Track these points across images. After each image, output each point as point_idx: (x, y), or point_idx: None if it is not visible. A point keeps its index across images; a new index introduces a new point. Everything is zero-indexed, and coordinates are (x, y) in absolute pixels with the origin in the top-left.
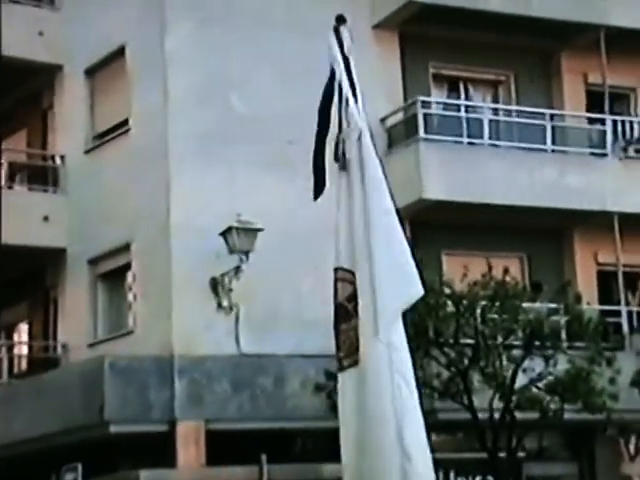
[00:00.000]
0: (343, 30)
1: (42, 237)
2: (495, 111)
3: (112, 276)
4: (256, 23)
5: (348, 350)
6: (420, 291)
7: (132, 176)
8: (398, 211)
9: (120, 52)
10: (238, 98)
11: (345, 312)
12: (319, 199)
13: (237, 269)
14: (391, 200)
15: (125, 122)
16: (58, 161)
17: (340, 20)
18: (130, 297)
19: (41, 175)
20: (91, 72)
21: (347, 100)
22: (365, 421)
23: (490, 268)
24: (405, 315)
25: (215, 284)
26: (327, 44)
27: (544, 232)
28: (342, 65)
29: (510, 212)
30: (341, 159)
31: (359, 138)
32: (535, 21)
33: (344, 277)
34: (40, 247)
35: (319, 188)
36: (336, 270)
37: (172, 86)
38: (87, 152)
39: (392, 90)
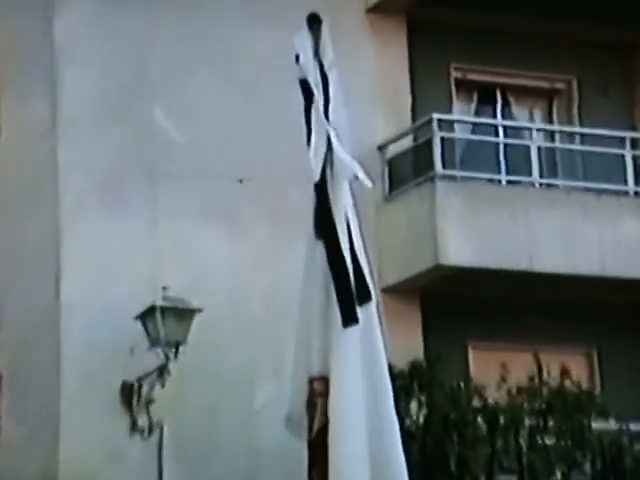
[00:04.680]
0: (320, 31)
1: None
2: (549, 135)
3: None
4: (191, 6)
5: None
6: None
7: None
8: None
9: None
10: (164, 114)
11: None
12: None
13: (161, 370)
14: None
15: None
16: None
17: (314, 20)
18: None
19: None
20: None
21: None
22: None
23: (540, 368)
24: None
25: (128, 393)
26: (295, 49)
27: (623, 315)
28: (317, 76)
29: (570, 285)
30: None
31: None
32: (609, 1)
33: (320, 390)
34: None
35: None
36: (311, 382)
37: (64, 95)
38: None
39: (396, 104)
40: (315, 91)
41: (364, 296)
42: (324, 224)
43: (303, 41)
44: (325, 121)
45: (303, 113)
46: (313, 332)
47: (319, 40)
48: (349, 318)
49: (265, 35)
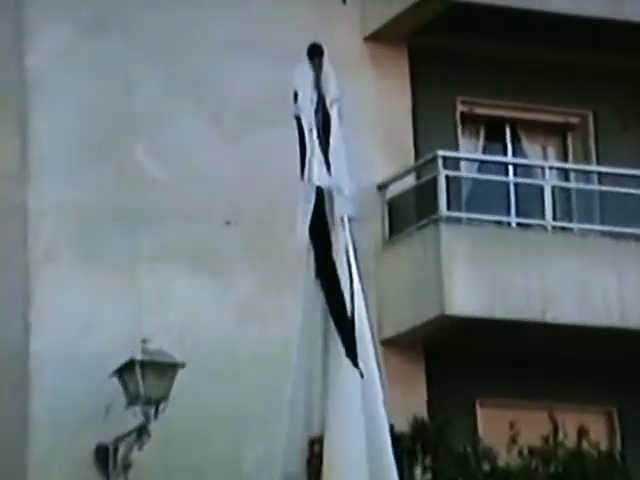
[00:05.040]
0: (322, 63)
1: None
2: (563, 174)
3: None
4: (177, 40)
5: None
6: None
7: None
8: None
9: None
10: (145, 152)
11: None
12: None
13: (140, 431)
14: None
15: None
16: None
17: (315, 51)
18: None
19: None
20: None
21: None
22: None
23: (556, 428)
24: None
25: (103, 456)
26: (293, 85)
27: None
28: (315, 114)
29: (588, 338)
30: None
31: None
32: (628, 28)
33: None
34: None
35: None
36: (312, 443)
37: (35, 133)
38: None
39: (397, 140)
40: (308, 131)
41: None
42: (322, 266)
43: (303, 75)
44: (322, 159)
45: (298, 150)
46: (312, 389)
47: (320, 73)
48: (353, 357)
49: (254, 70)
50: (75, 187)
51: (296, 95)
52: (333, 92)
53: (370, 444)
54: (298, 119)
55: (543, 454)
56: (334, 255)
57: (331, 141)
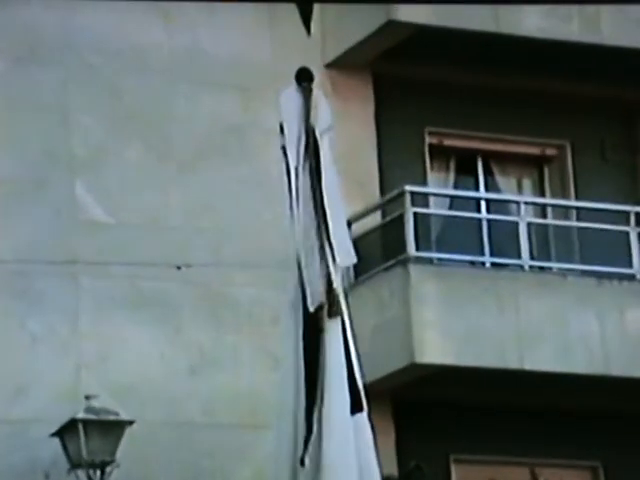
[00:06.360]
0: (311, 89)
1: None
2: (540, 209)
3: None
4: (120, 69)
5: None
6: None
7: None
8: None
9: None
10: (86, 189)
11: None
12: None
13: None
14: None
15: None
16: None
17: (303, 75)
18: None
19: None
20: None
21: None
22: None
23: None
24: None
25: None
26: (280, 114)
27: (631, 423)
28: (302, 145)
29: (569, 387)
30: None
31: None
32: (606, 53)
33: None
34: None
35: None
36: None
37: None
38: None
39: (361, 174)
40: (294, 168)
41: (357, 404)
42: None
43: (289, 103)
44: (311, 198)
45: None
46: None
47: (309, 100)
48: (357, 404)
49: (205, 102)
50: (9, 230)
51: (282, 125)
52: (324, 121)
53: None
54: (284, 150)
55: None
56: None
57: (322, 171)
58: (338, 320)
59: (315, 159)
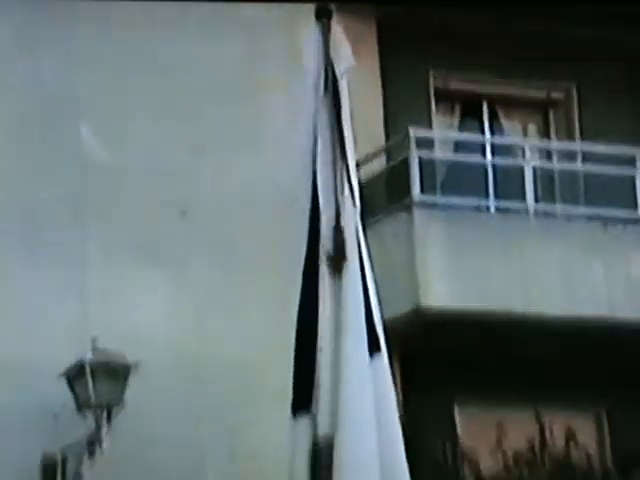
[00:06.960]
0: (330, 27)
1: None
2: (545, 153)
3: None
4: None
5: None
6: None
7: None
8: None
9: None
10: (91, 132)
11: None
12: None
13: (91, 439)
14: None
15: None
16: None
17: (322, 14)
18: None
19: None
20: None
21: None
22: None
23: (542, 431)
24: None
25: (50, 468)
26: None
27: (636, 368)
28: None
29: (574, 332)
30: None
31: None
32: None
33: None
34: None
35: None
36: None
37: None
38: None
39: (365, 119)
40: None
41: (375, 345)
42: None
43: (310, 44)
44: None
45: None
46: (321, 390)
47: (329, 39)
48: (374, 346)
49: (205, 51)
50: (18, 178)
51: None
52: (345, 59)
53: (382, 445)
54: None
55: (528, 459)
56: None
57: (343, 114)
58: (350, 261)
59: (335, 98)
